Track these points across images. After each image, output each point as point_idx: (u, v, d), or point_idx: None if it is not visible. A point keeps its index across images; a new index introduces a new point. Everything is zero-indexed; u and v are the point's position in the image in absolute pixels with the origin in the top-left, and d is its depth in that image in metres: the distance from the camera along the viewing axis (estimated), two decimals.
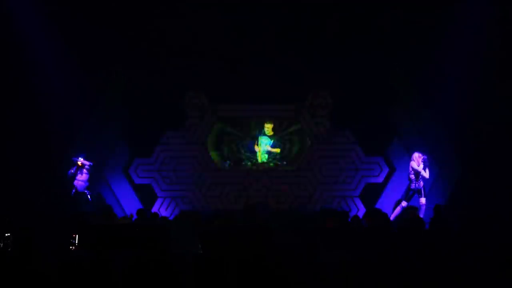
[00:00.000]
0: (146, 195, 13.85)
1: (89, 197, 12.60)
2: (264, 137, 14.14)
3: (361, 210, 13.60)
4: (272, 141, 14.13)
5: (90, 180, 12.79)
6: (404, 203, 12.38)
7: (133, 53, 13.16)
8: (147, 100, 13.39)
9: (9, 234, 7.58)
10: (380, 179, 14.00)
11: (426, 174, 12.33)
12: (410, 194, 12.45)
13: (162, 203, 13.90)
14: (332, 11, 13.02)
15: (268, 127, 14.12)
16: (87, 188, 12.73)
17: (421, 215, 11.73)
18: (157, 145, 14.04)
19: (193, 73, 13.44)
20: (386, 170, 13.98)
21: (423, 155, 12.42)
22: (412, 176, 12.37)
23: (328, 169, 14.09)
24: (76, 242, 7.37)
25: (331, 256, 6.84)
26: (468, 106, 12.68)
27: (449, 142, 13.51)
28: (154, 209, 13.69)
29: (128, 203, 13.67)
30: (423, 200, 12.33)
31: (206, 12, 12.94)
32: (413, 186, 12.41)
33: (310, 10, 12.99)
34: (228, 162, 14.18)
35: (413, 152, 12.59)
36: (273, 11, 12.96)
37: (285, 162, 14.15)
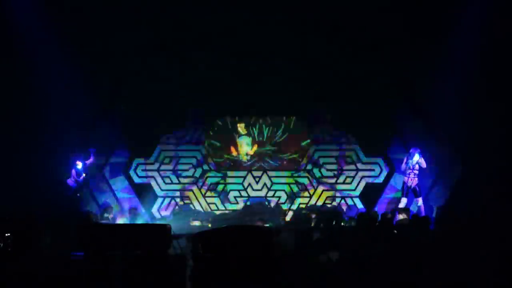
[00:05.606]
0: (146, 195, 13.86)
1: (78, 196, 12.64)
2: (243, 137, 14.12)
3: (361, 210, 13.58)
4: (250, 139, 14.12)
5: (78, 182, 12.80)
6: (419, 200, 12.34)
7: (134, 53, 13.16)
8: (147, 100, 13.40)
9: (9, 234, 7.58)
10: (380, 179, 14.00)
11: (416, 165, 12.31)
12: (418, 190, 12.37)
13: (162, 203, 13.91)
14: (333, 12, 13.03)
15: (241, 126, 14.12)
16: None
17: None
18: (157, 145, 14.05)
19: (193, 73, 13.44)
20: (386, 170, 13.98)
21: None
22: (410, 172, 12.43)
23: (328, 169, 14.09)
24: (76, 242, 7.37)
25: (331, 256, 6.85)
26: (468, 106, 12.68)
27: (449, 142, 13.50)
28: (154, 209, 13.73)
29: (128, 203, 13.67)
30: (403, 200, 12.31)
31: (207, 13, 12.95)
32: (405, 180, 12.44)
33: (311, 12, 13.01)
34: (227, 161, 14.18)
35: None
36: (273, 10, 12.98)
37: (279, 162, 14.11)
